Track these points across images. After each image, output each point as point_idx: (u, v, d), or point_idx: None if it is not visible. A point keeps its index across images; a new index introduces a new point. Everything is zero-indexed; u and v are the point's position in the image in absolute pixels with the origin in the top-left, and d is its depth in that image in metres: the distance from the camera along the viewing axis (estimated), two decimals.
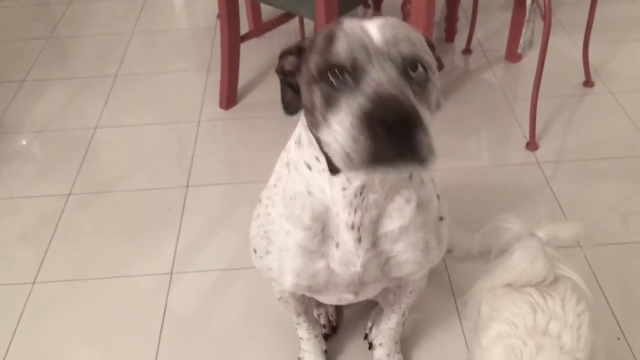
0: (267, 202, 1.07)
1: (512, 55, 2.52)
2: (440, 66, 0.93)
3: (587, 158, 2.04)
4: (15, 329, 1.60)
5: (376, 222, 0.99)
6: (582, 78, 2.39)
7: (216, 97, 2.40)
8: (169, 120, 2.34)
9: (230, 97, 2.37)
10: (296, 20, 2.71)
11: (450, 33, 2.70)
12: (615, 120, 2.21)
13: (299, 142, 0.97)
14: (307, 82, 0.85)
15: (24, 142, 2.30)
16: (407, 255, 1.04)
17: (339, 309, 1.59)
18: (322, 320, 1.53)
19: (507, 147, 2.12)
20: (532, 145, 2.09)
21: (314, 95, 0.82)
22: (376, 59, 0.78)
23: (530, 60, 2.50)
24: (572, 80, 2.40)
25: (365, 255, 1.01)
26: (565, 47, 2.59)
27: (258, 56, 2.66)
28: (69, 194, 2.01)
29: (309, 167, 0.95)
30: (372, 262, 1.03)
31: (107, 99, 2.48)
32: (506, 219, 1.22)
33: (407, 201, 0.99)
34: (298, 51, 0.90)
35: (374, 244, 1.01)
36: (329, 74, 0.80)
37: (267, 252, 1.08)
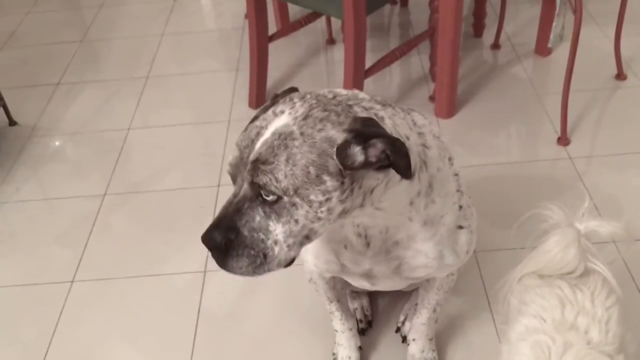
0: None
1: (542, 49, 2.50)
2: (384, 159, 0.85)
3: (619, 152, 2.01)
4: (56, 326, 1.64)
5: (386, 233, 1.02)
6: (614, 71, 2.36)
7: (245, 97, 2.43)
8: (200, 121, 2.38)
9: (259, 96, 2.39)
10: (323, 19, 2.72)
11: (478, 28, 2.68)
12: None
13: None
14: None
15: (59, 145, 2.36)
16: (417, 261, 1.08)
17: (373, 303, 1.60)
18: (358, 315, 1.55)
19: (538, 143, 2.10)
20: (563, 140, 2.07)
21: None
22: (243, 173, 0.85)
23: (560, 53, 2.47)
24: (603, 74, 2.37)
25: (375, 257, 1.06)
26: (596, 39, 2.56)
27: (286, 55, 2.68)
28: (104, 195, 2.06)
29: None
30: (381, 264, 1.07)
31: (139, 101, 2.53)
32: (548, 207, 1.21)
33: (410, 219, 1.01)
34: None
35: (387, 250, 1.05)
36: None
37: None
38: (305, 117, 0.84)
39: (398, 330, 1.55)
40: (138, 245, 1.87)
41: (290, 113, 0.85)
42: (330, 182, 0.83)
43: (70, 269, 1.80)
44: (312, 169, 0.82)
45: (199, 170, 2.13)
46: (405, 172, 0.86)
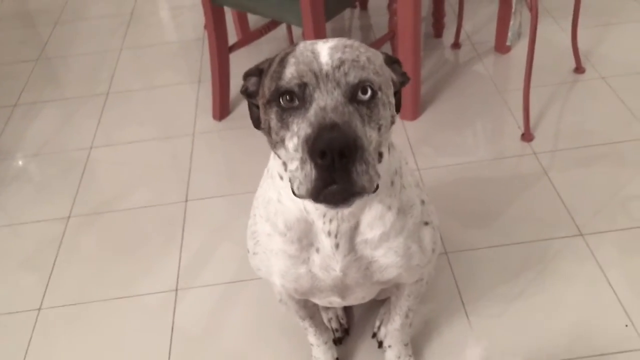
0: (255, 203, 1.12)
1: (502, 46, 2.52)
2: (406, 80, 0.99)
3: (582, 145, 2.04)
4: (25, 356, 1.59)
5: (355, 229, 1.01)
6: (573, 65, 2.39)
7: (209, 109, 2.40)
8: (164, 135, 2.34)
9: (223, 107, 2.37)
10: (284, 26, 2.71)
11: (438, 28, 2.70)
12: (608, 105, 2.21)
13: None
14: (262, 104, 0.90)
15: (20, 166, 2.30)
16: (387, 260, 1.06)
17: (348, 311, 1.60)
18: (334, 325, 1.54)
19: (503, 140, 2.12)
20: (527, 136, 2.09)
21: (269, 117, 0.87)
22: (323, 84, 0.83)
23: (520, 50, 2.50)
24: (562, 68, 2.41)
25: (344, 260, 1.04)
26: (553, 34, 2.59)
27: (248, 65, 2.60)
28: (69, 216, 2.01)
29: (281, 177, 0.98)
30: (351, 267, 1.05)
31: (100, 118, 2.48)
32: None
33: (389, 208, 1.01)
34: (259, 72, 0.95)
35: (353, 249, 1.04)
36: (280, 98, 0.85)
37: (255, 254, 1.12)
38: (347, 40, 0.88)
39: (374, 335, 1.54)
40: (106, 267, 1.83)
41: (326, 41, 0.87)
42: (391, 89, 0.91)
43: (37, 295, 1.75)
44: (385, 70, 0.90)
45: (165, 186, 2.10)
46: (399, 104, 0.98)
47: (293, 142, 0.83)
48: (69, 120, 2.51)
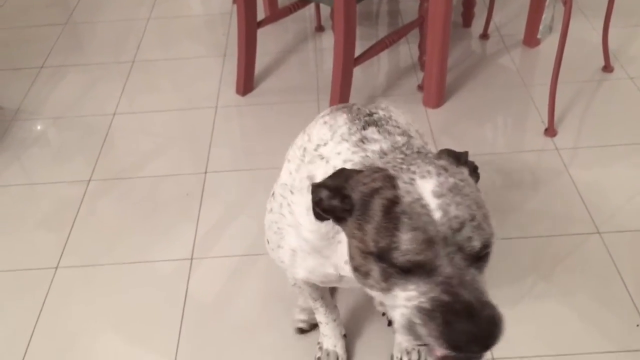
0: (282, 202, 1.08)
1: (531, 40, 2.50)
2: (477, 179, 0.95)
3: (605, 144, 2.02)
4: (40, 313, 1.62)
5: None
6: (601, 63, 2.37)
7: (233, 83, 2.40)
8: (187, 107, 2.35)
9: (247, 83, 2.37)
10: (312, 6, 2.70)
11: (467, 18, 2.68)
12: (634, 105, 2.19)
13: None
14: (360, 249, 0.82)
15: (42, 129, 2.32)
16: None
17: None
18: None
19: (526, 133, 2.11)
20: (550, 131, 2.07)
21: (371, 266, 0.81)
22: (442, 249, 0.76)
23: (548, 45, 2.48)
24: (591, 66, 2.38)
25: None
26: (584, 31, 2.56)
27: (274, 42, 2.66)
28: (89, 180, 2.04)
29: None
30: None
31: (125, 85, 2.50)
32: None
33: None
34: (335, 190, 0.86)
35: None
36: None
37: (279, 247, 1.12)
38: (444, 168, 0.84)
39: (384, 314, 1.55)
40: (123, 232, 1.85)
41: (426, 176, 0.81)
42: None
43: (54, 254, 1.78)
44: (485, 203, 0.83)
45: (185, 157, 2.12)
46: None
47: (410, 297, 0.78)
48: (93, 86, 2.52)
